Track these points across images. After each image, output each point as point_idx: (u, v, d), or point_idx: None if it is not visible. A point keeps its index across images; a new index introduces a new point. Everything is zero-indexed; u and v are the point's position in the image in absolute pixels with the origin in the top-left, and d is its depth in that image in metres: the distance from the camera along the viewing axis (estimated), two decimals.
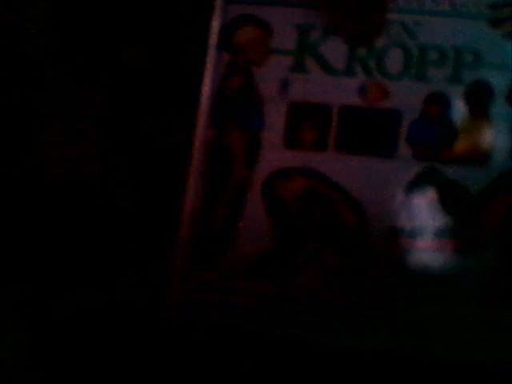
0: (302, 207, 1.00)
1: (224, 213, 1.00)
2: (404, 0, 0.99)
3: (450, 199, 0.96)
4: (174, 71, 1.05)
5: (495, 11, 0.96)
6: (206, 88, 1.02)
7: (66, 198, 1.04)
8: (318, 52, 1.00)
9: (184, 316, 1.01)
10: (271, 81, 1.01)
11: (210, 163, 1.01)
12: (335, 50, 1.00)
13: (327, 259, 0.99)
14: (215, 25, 1.03)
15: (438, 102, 0.96)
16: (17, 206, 1.04)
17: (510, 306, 0.95)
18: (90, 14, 1.06)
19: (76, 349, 1.00)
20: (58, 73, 1.04)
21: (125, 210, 1.04)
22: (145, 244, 1.03)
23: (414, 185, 0.96)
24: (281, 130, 1.00)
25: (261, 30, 1.03)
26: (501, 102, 0.95)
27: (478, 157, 0.95)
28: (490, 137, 0.95)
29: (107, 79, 1.05)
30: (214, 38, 1.03)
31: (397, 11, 0.98)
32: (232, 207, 1.00)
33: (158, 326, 1.00)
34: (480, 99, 0.96)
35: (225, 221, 1.00)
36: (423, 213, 0.96)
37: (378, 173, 0.97)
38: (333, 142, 0.98)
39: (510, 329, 0.95)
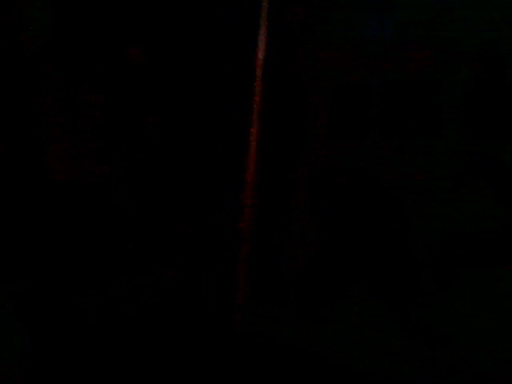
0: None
1: (279, 222, 0.95)
2: None
3: (508, 187, 0.81)
4: (175, 67, 1.03)
5: None
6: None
7: (66, 197, 1.05)
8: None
9: (247, 331, 0.98)
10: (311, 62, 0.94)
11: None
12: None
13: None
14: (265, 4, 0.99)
15: (491, 70, 0.82)
16: (18, 205, 1.06)
17: None
18: (91, 13, 1.07)
19: (83, 351, 0.99)
20: (58, 72, 1.06)
21: (124, 209, 1.02)
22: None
23: (466, 171, 0.83)
24: (324, 119, 0.92)
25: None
26: None
27: None
28: None
29: (108, 78, 1.05)
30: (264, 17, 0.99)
31: None
32: (286, 215, 0.95)
33: (216, 340, 0.97)
34: None
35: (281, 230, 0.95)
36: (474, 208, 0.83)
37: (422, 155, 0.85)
38: (375, 126, 0.88)
39: None
